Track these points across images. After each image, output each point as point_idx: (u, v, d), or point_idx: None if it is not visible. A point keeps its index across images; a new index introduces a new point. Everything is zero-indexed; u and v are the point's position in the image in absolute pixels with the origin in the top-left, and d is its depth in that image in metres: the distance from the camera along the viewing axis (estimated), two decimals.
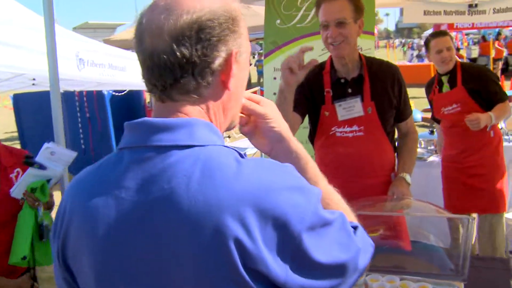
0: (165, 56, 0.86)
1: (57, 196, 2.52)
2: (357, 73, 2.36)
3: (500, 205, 3.52)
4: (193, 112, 0.91)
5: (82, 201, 0.91)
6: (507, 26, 16.50)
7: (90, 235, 0.88)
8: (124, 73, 5.06)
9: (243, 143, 9.73)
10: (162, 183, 0.83)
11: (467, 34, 31.64)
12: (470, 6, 4.49)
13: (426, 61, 22.87)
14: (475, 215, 3.52)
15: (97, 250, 0.87)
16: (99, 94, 7.36)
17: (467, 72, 3.49)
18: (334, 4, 2.21)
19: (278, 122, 1.08)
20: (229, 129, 1.01)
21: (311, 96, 2.39)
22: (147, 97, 8.99)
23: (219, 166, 0.83)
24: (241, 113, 1.05)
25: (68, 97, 7.18)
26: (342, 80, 2.38)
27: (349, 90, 2.36)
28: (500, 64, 16.94)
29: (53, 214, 1.45)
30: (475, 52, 20.32)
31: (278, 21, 3.89)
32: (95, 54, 4.51)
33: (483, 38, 18.19)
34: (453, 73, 3.54)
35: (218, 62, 0.89)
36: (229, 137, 9.46)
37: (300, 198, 0.83)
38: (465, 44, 22.64)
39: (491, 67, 16.45)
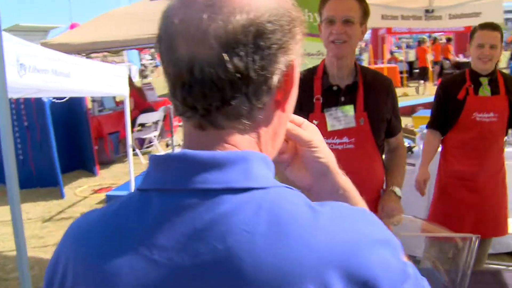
0: (212, 70, 0.63)
1: None
2: (352, 80, 2.22)
3: (504, 229, 3.30)
4: (242, 142, 0.69)
5: (93, 263, 0.67)
6: (441, 31, 17.25)
7: None
8: (69, 79, 4.71)
9: None
10: (213, 241, 0.61)
11: (399, 38, 32.82)
12: (427, 11, 4.52)
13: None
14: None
15: None
16: (38, 101, 6.87)
17: (508, 81, 3.16)
18: (344, 1, 2.10)
19: (324, 151, 0.87)
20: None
21: (298, 103, 2.23)
22: (89, 104, 8.54)
23: (291, 217, 0.62)
24: None
25: None
26: (335, 88, 2.22)
27: (342, 99, 2.20)
28: (437, 68, 17.62)
29: None
30: (411, 55, 21.03)
31: None
32: (36, 59, 4.15)
33: (419, 43, 18.83)
34: (494, 77, 3.12)
35: (276, 77, 0.68)
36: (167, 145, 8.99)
37: (388, 254, 0.64)
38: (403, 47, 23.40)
39: (429, 70, 17.14)
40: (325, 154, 0.88)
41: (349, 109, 2.18)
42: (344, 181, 0.89)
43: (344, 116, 2.17)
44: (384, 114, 2.26)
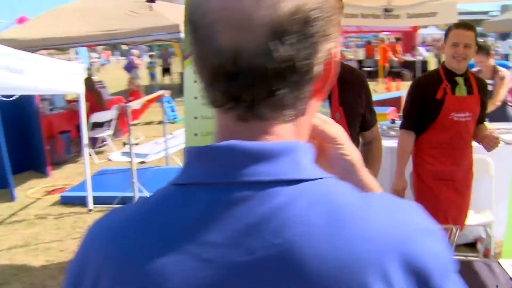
0: (258, 59, 0.59)
1: None
2: None
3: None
4: (285, 133, 0.66)
5: (133, 264, 0.61)
6: (393, 31, 17.75)
7: None
8: (23, 76, 4.51)
9: (142, 148, 9.30)
10: (268, 236, 0.58)
11: (348, 37, 33.49)
12: (386, 10, 4.62)
13: None
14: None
15: None
16: None
17: (478, 80, 3.24)
18: None
19: (350, 149, 0.85)
20: None
21: None
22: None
23: (344, 208, 0.61)
24: None
25: None
26: None
27: None
28: (387, 66, 18.14)
29: None
30: (360, 54, 21.50)
31: None
32: None
33: (368, 42, 19.32)
34: (467, 76, 3.18)
35: (319, 66, 0.66)
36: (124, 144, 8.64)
37: (436, 244, 0.64)
38: (352, 46, 23.90)
39: (378, 68, 17.59)
40: (351, 151, 0.86)
41: (324, 105, 2.20)
42: (369, 179, 0.87)
43: (319, 112, 2.17)
44: (359, 109, 2.29)
